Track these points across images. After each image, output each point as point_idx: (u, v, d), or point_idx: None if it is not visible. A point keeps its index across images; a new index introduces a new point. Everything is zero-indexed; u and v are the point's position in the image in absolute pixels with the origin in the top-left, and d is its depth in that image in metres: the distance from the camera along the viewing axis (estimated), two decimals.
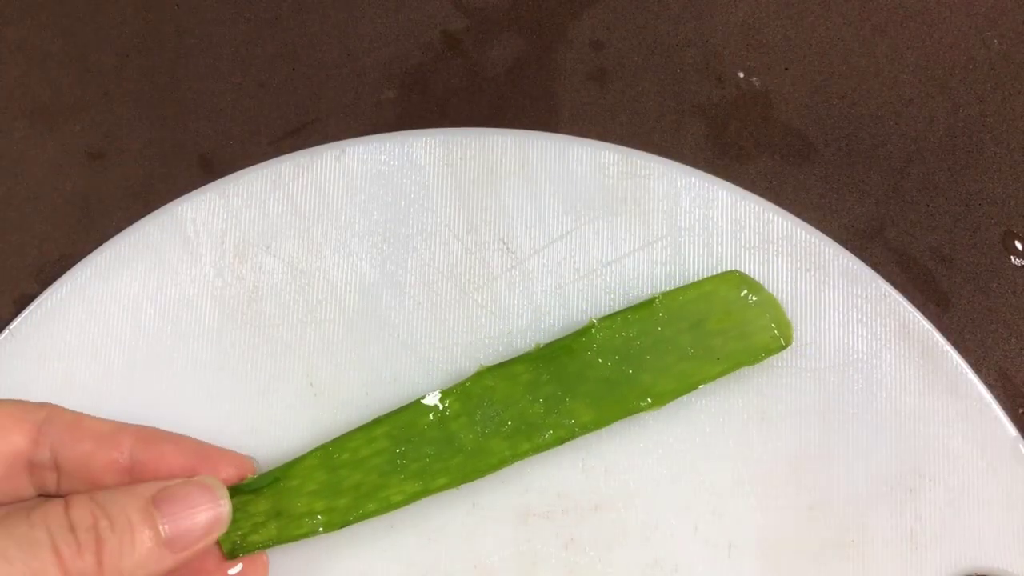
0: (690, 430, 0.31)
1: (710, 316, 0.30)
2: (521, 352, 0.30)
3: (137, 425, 0.27)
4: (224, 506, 0.25)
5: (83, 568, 0.22)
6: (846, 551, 0.30)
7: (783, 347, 0.30)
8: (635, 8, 0.36)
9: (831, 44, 0.36)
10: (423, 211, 0.32)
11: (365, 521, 0.29)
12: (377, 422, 0.29)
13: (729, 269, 0.31)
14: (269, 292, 0.32)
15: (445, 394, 0.29)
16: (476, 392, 0.29)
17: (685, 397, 0.31)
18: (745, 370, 0.31)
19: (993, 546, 0.30)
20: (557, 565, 0.30)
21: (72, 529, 0.22)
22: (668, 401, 0.29)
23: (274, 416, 0.31)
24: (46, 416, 0.25)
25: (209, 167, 0.35)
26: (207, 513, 0.25)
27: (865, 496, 0.30)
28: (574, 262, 0.32)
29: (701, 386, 0.30)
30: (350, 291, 0.32)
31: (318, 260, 0.32)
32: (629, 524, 0.30)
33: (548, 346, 0.30)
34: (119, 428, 0.26)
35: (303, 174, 0.33)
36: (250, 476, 0.28)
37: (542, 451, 0.29)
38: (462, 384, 0.29)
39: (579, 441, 0.30)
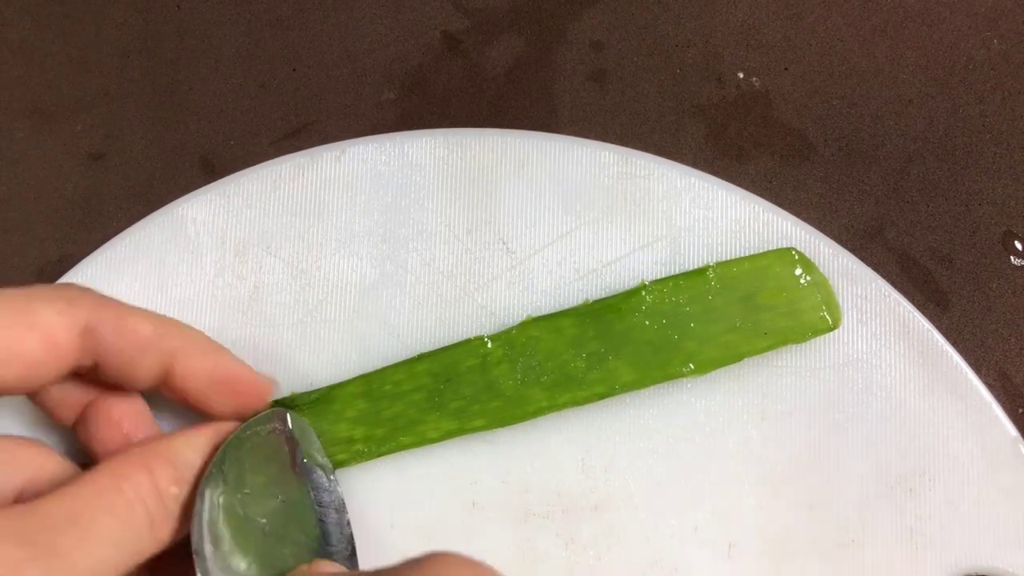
0: (690, 430, 0.31)
1: (761, 290, 0.30)
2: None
3: (182, 330, 0.26)
4: None
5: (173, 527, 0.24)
6: (846, 551, 0.30)
7: (831, 328, 0.30)
8: (635, 8, 0.36)
9: (831, 44, 0.36)
10: (423, 211, 0.32)
11: (364, 521, 0.29)
12: (420, 358, 0.30)
13: (787, 246, 0.31)
14: (269, 292, 0.32)
15: (492, 338, 0.30)
16: (521, 341, 0.30)
17: (685, 397, 0.31)
18: (745, 369, 0.31)
19: (993, 546, 0.30)
20: (557, 565, 0.30)
21: (164, 499, 0.24)
22: (711, 369, 0.30)
23: None
24: (89, 320, 0.24)
25: (210, 167, 0.35)
26: None
27: (865, 496, 0.30)
28: (574, 262, 0.32)
29: (746, 359, 0.30)
30: (350, 291, 0.32)
31: (318, 260, 0.32)
32: (629, 524, 0.30)
33: (596, 303, 0.30)
34: (162, 334, 0.25)
35: (303, 174, 0.33)
36: (292, 392, 0.30)
37: (580, 405, 0.29)
38: (508, 332, 0.30)
39: (579, 441, 0.30)
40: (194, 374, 0.26)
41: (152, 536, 0.23)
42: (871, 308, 0.31)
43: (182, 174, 0.35)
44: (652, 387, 0.31)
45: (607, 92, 0.35)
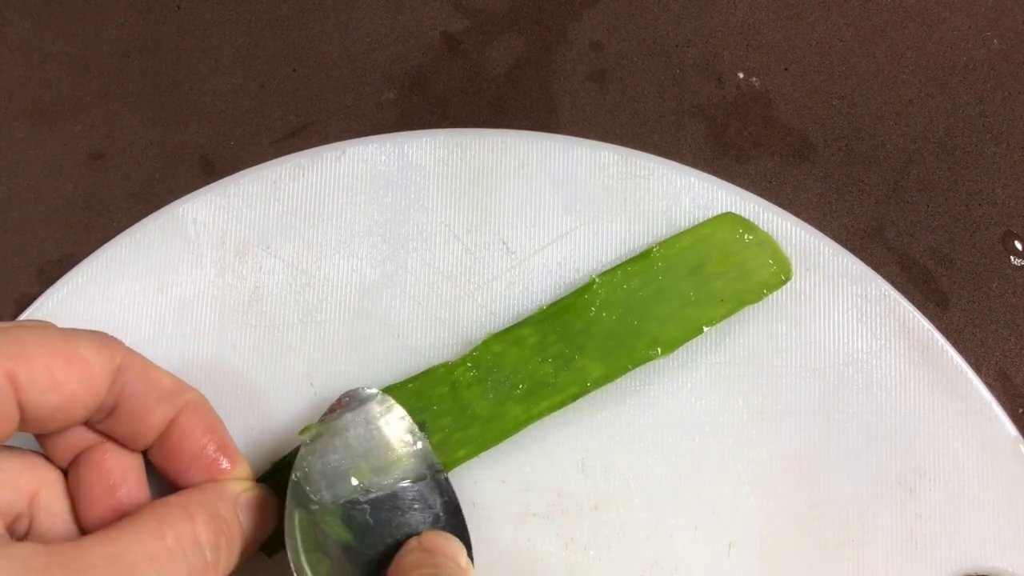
0: (690, 430, 0.31)
1: (709, 260, 0.30)
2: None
3: (193, 390, 0.27)
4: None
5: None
6: (846, 551, 0.30)
7: (783, 282, 0.30)
8: (635, 9, 0.36)
9: (831, 44, 0.36)
10: (423, 211, 0.32)
11: None
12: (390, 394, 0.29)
13: (723, 212, 0.32)
14: (270, 292, 0.32)
15: (455, 364, 0.30)
16: (485, 360, 0.30)
17: (685, 397, 0.31)
18: (745, 369, 0.31)
19: (993, 546, 0.30)
20: (557, 565, 0.30)
21: (203, 549, 0.24)
22: (676, 347, 0.30)
23: (274, 416, 0.31)
24: (121, 362, 0.25)
25: (210, 168, 0.35)
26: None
27: (865, 496, 0.30)
28: (574, 262, 0.32)
29: (706, 328, 0.30)
30: (350, 291, 0.32)
31: (318, 260, 0.32)
32: (629, 524, 0.30)
33: (551, 306, 0.30)
34: (179, 389, 0.27)
35: (304, 175, 0.33)
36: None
37: (557, 410, 0.29)
38: (471, 353, 0.30)
39: (579, 441, 0.30)
40: (193, 431, 0.26)
41: None
42: (871, 308, 0.31)
43: (182, 174, 0.35)
44: (651, 387, 0.31)
45: (607, 92, 0.35)
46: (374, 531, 0.27)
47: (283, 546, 0.28)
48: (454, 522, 0.28)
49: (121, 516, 0.25)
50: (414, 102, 0.35)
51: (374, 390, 0.28)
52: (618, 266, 0.31)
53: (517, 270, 0.32)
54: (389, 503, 0.27)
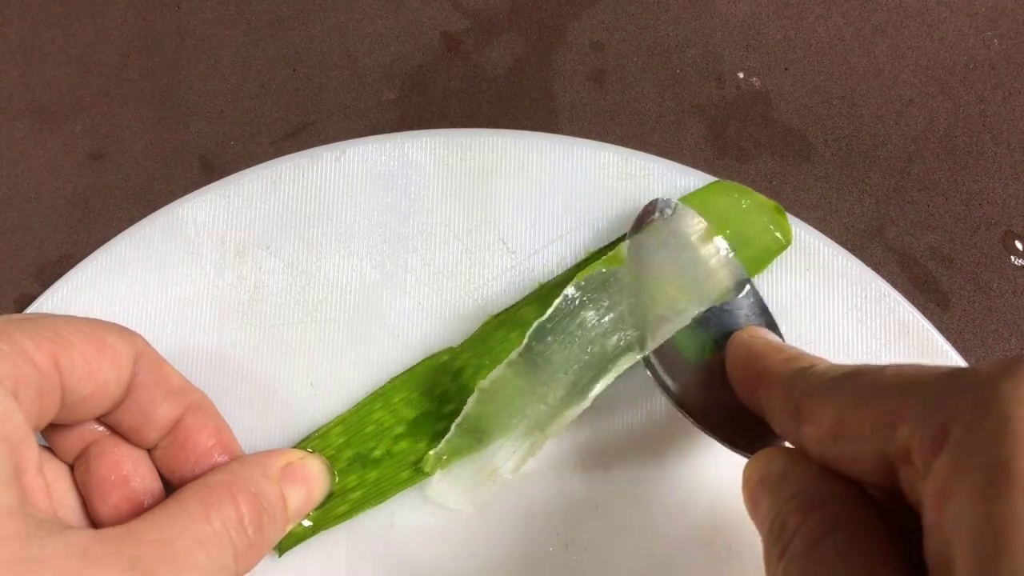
0: (690, 430, 0.30)
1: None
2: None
3: (199, 391, 0.27)
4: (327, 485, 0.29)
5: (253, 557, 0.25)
6: None
7: (784, 246, 0.30)
8: (635, 9, 0.36)
9: (831, 44, 0.36)
10: (423, 211, 0.32)
11: (364, 522, 0.29)
12: (393, 387, 0.29)
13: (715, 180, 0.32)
14: (269, 292, 0.32)
15: (456, 351, 0.29)
16: (484, 340, 0.29)
17: None
18: None
19: None
20: (557, 565, 0.30)
21: (245, 529, 0.24)
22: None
23: (274, 416, 0.31)
24: (137, 352, 0.25)
25: (210, 167, 0.35)
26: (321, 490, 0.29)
27: None
28: (574, 262, 0.32)
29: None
30: (350, 291, 0.32)
31: (318, 260, 0.32)
32: (629, 524, 0.30)
33: (554, 281, 0.30)
34: (187, 388, 0.27)
35: (303, 175, 0.33)
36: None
37: None
38: (472, 338, 0.29)
39: (579, 441, 0.30)
40: (200, 431, 0.27)
41: (235, 566, 0.23)
42: (871, 308, 0.31)
43: (182, 174, 0.35)
44: (652, 387, 0.31)
45: (607, 92, 0.35)
46: (695, 348, 0.27)
47: (292, 546, 0.29)
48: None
49: (136, 505, 0.25)
50: (414, 102, 0.35)
51: (675, 201, 0.29)
52: (614, 242, 0.30)
53: (517, 270, 0.32)
54: (710, 318, 0.28)
